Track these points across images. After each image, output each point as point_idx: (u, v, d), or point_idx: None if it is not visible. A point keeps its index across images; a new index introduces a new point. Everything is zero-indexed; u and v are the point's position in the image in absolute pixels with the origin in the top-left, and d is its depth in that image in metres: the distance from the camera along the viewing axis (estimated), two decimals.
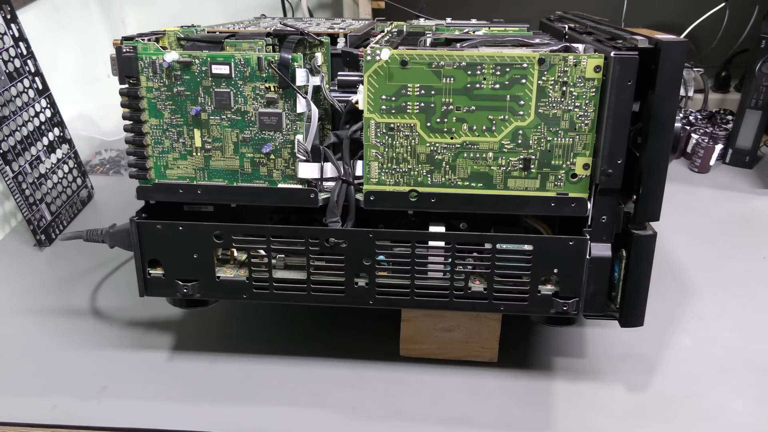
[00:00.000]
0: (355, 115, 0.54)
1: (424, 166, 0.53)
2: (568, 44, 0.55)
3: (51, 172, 0.90)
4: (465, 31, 0.70)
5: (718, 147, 1.04)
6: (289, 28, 0.60)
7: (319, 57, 0.55)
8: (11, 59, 0.86)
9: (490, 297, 0.56)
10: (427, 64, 0.51)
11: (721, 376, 0.62)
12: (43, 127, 0.90)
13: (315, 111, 0.54)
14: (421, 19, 0.90)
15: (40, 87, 0.91)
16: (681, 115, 1.17)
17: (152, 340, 0.67)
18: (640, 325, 0.55)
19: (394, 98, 0.52)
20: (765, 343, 0.67)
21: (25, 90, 0.87)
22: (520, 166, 0.53)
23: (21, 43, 0.89)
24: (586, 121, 0.51)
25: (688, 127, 1.11)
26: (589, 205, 0.53)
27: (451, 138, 0.52)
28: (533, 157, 0.52)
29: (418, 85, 0.51)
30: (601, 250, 0.54)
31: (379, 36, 0.65)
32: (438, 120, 0.52)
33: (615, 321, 0.56)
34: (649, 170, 0.51)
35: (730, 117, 1.16)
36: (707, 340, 0.67)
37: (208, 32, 0.63)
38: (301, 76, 0.52)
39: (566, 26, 0.70)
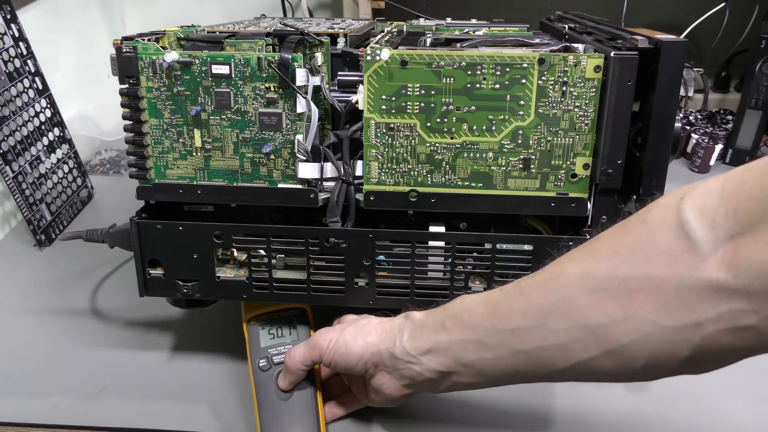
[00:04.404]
0: (355, 115, 0.54)
1: (424, 166, 0.53)
2: (568, 44, 0.55)
3: (51, 172, 0.90)
4: (465, 31, 0.70)
5: (718, 147, 1.04)
6: (289, 28, 0.60)
7: (319, 57, 0.55)
8: (11, 59, 0.86)
9: None
10: (427, 64, 0.51)
11: (721, 376, 0.62)
12: (43, 127, 0.90)
13: (315, 111, 0.54)
14: (421, 19, 0.90)
15: (40, 87, 0.91)
16: (681, 115, 1.17)
17: (152, 340, 0.67)
18: None
19: (394, 98, 0.52)
20: None
21: (25, 90, 0.87)
22: (520, 166, 0.53)
23: (21, 43, 0.89)
24: (586, 121, 0.51)
25: (688, 127, 1.11)
26: (589, 205, 0.53)
27: (451, 138, 0.52)
28: (533, 157, 0.52)
29: (418, 85, 0.51)
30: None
31: (379, 36, 0.65)
32: (438, 120, 0.52)
33: None
34: (649, 170, 0.51)
35: (730, 117, 1.16)
36: None
37: (208, 32, 0.63)
38: (301, 76, 0.52)
39: (566, 26, 0.70)
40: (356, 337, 0.50)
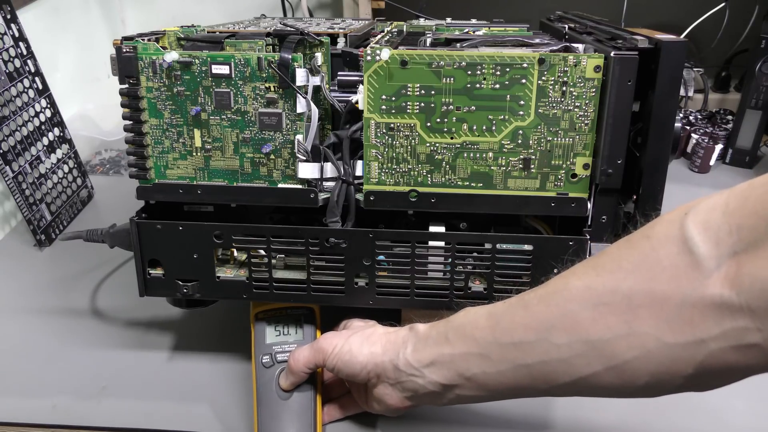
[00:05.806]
0: (355, 115, 0.54)
1: (424, 166, 0.53)
2: (568, 44, 0.55)
3: (51, 172, 0.90)
4: (465, 31, 0.70)
5: (718, 147, 1.04)
6: (289, 28, 0.60)
7: (319, 57, 0.55)
8: (11, 59, 0.86)
9: (490, 297, 0.56)
10: (427, 64, 0.51)
11: None
12: (43, 127, 0.90)
13: (315, 111, 0.54)
14: (421, 19, 0.91)
15: (40, 87, 0.91)
16: (681, 115, 1.17)
17: (152, 340, 0.67)
18: None
19: (394, 98, 0.52)
20: None
21: (25, 90, 0.87)
22: (520, 166, 0.53)
23: (21, 43, 0.89)
24: (586, 121, 0.51)
25: (688, 127, 1.11)
26: (589, 205, 0.53)
27: (451, 138, 0.52)
28: (533, 157, 0.52)
29: (418, 85, 0.51)
30: (601, 250, 0.54)
31: (379, 36, 0.65)
32: (438, 120, 0.52)
33: None
34: (649, 170, 0.51)
35: (730, 117, 1.16)
36: None
37: (208, 32, 0.63)
38: (301, 76, 0.52)
39: (566, 26, 0.70)
40: (361, 345, 0.50)
